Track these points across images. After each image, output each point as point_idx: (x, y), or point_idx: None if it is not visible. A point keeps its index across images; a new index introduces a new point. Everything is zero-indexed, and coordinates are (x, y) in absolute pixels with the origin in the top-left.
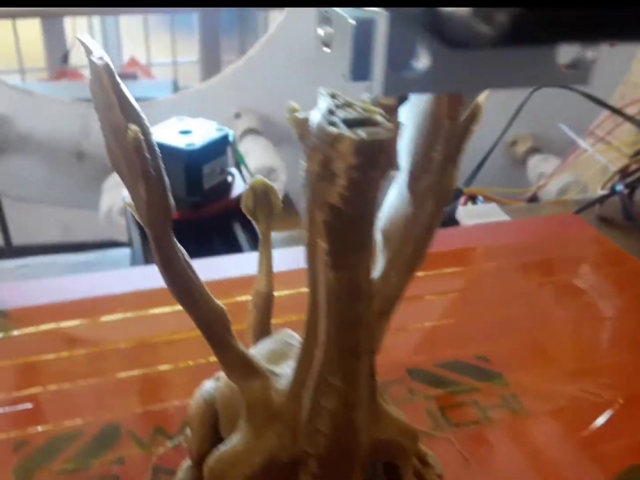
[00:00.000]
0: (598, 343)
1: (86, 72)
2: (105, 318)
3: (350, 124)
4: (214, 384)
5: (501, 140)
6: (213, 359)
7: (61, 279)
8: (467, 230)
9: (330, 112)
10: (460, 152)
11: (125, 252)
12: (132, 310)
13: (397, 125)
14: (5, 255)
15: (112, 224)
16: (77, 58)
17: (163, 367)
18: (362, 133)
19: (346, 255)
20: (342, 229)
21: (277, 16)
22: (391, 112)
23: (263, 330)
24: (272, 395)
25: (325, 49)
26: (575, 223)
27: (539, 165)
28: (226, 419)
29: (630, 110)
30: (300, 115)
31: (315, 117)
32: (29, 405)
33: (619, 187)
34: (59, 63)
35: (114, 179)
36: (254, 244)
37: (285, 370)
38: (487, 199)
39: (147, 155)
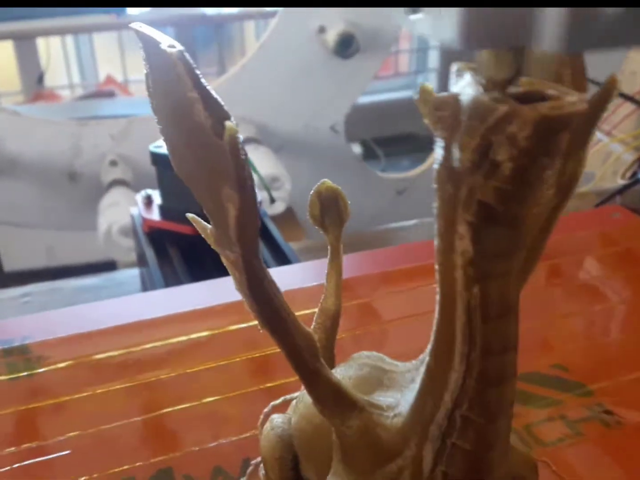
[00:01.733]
0: None
1: (63, 92)
2: (141, 347)
3: (519, 100)
4: (285, 418)
5: None
6: (264, 385)
7: (82, 306)
8: None
9: (487, 86)
10: (591, 133)
11: (133, 273)
12: (169, 336)
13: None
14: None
15: (112, 244)
16: (52, 79)
17: (210, 398)
18: (542, 107)
19: (494, 263)
20: (493, 232)
21: (252, 27)
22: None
23: (327, 355)
24: (379, 432)
25: (414, 15)
26: (623, 214)
27: None
28: (308, 459)
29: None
30: (443, 95)
31: (467, 94)
32: (66, 452)
33: None
34: (34, 85)
35: (111, 197)
36: (277, 259)
37: (387, 401)
38: None
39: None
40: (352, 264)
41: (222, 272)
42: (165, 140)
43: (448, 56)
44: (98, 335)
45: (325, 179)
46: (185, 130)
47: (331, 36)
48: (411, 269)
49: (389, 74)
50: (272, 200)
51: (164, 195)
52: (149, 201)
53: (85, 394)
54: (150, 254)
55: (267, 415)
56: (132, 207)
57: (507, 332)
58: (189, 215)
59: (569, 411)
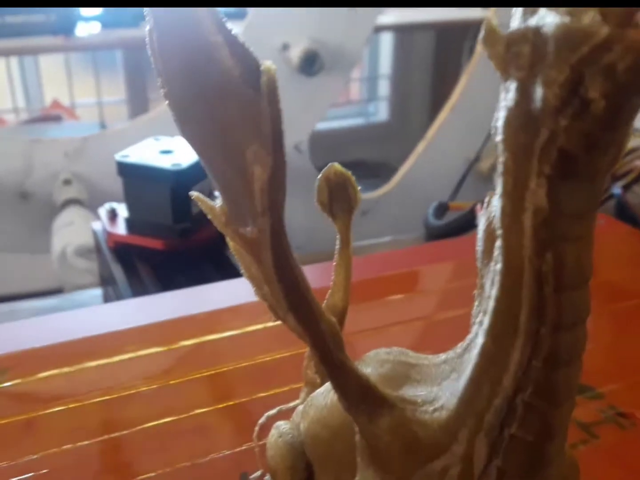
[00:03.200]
0: None
1: (7, 116)
2: (117, 357)
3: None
4: (293, 425)
5: (463, 157)
6: (256, 395)
7: (48, 317)
8: None
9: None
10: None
11: (94, 294)
12: (147, 347)
13: None
14: None
15: (67, 267)
16: None
17: (199, 410)
18: None
19: (571, 223)
20: (572, 187)
21: None
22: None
23: None
24: (415, 429)
25: None
26: (606, 222)
27: None
28: (325, 466)
29: None
30: (518, 29)
31: (552, 23)
32: (44, 471)
33: (617, 190)
34: None
35: (65, 217)
36: None
37: (421, 396)
38: None
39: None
40: (320, 275)
41: (193, 286)
42: (174, 101)
43: (398, 85)
44: (67, 347)
45: (334, 163)
46: (203, 84)
47: (295, 53)
48: (378, 278)
49: (341, 102)
50: None
51: (130, 208)
52: (113, 215)
53: (58, 409)
54: (117, 270)
55: (263, 427)
56: (95, 222)
57: (581, 304)
58: (194, 193)
59: (582, 415)
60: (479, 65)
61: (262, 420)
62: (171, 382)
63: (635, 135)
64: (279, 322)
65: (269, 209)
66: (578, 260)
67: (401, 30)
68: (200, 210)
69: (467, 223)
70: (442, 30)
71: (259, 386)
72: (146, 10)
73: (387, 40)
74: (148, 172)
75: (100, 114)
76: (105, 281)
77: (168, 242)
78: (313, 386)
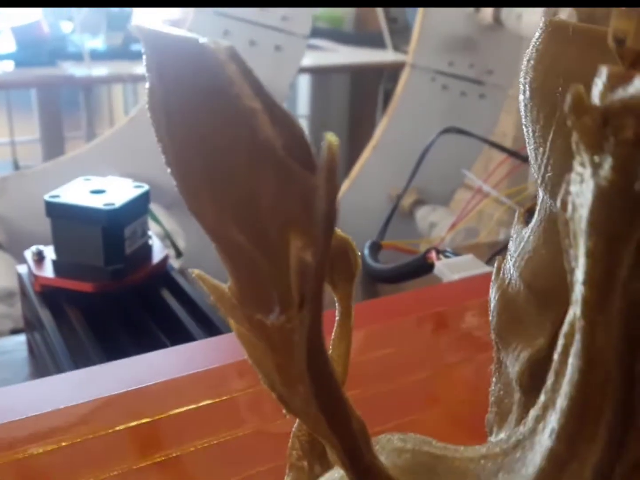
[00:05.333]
0: None
1: None
2: (49, 446)
3: None
4: None
5: (385, 195)
6: None
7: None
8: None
9: None
10: None
11: (18, 340)
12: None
13: None
14: None
15: None
16: None
17: None
18: None
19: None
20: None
21: (121, 91)
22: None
23: None
24: None
25: None
26: None
27: (428, 216)
28: None
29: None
30: (622, 97)
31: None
32: None
33: None
34: None
35: None
36: (190, 311)
37: None
38: (404, 250)
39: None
40: None
41: (127, 331)
42: (186, 172)
43: (316, 125)
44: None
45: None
46: (229, 155)
47: None
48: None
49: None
50: (179, 254)
51: (59, 250)
52: (40, 257)
53: None
54: (45, 315)
55: None
56: (19, 266)
57: None
58: (195, 271)
59: None
60: (399, 106)
61: None
62: (134, 467)
63: None
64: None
65: (311, 301)
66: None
67: (318, 73)
68: (133, 251)
69: (420, 269)
70: (357, 72)
71: (232, 468)
72: (148, 60)
73: (305, 82)
74: (79, 212)
75: (14, 153)
76: (31, 326)
77: (99, 285)
78: (299, 471)
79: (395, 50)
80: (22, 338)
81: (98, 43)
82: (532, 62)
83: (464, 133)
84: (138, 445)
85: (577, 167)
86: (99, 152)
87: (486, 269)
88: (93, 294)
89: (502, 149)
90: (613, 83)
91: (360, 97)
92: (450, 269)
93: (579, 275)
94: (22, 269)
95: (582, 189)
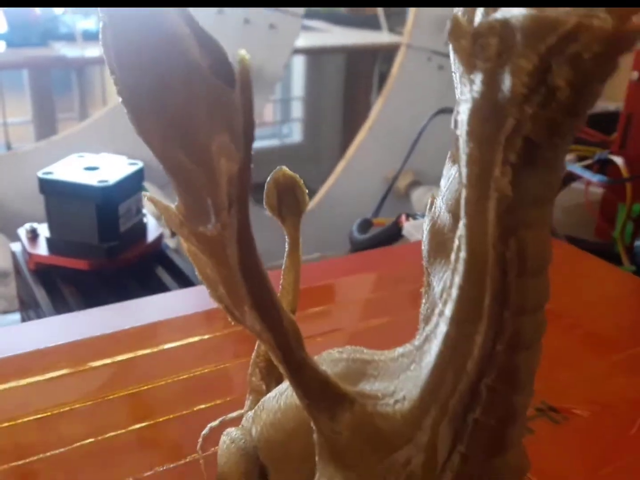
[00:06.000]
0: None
1: None
2: (39, 376)
3: None
4: (244, 430)
5: (381, 177)
6: (196, 407)
7: None
8: None
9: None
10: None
11: (13, 318)
12: (74, 364)
13: None
14: None
15: None
16: None
17: (138, 425)
18: (615, 20)
19: (533, 210)
20: (534, 174)
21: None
22: None
23: None
24: (377, 423)
25: None
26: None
27: (423, 197)
28: (281, 469)
29: None
30: (486, 21)
31: (520, 14)
32: None
33: None
34: None
35: None
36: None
37: (381, 390)
38: None
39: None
40: None
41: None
42: (130, 95)
43: (311, 107)
44: None
45: (282, 166)
46: (165, 76)
47: None
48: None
49: (256, 124)
50: (174, 233)
51: (53, 227)
52: (34, 235)
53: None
54: (40, 293)
55: (206, 438)
56: (13, 244)
57: (542, 288)
58: (147, 195)
59: None
60: (395, 86)
61: (205, 431)
62: (108, 397)
63: None
64: (218, 333)
65: (237, 203)
66: (540, 246)
67: (313, 54)
68: (128, 229)
69: (393, 234)
70: (352, 54)
71: (198, 398)
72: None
73: (299, 63)
74: (73, 189)
75: (6, 135)
76: (26, 305)
77: (93, 262)
78: (258, 393)
79: (391, 32)
80: (16, 316)
81: (90, 23)
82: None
83: None
84: (113, 380)
85: (462, 89)
86: (92, 131)
87: None
88: (88, 271)
89: None
90: (489, 11)
91: (355, 79)
92: (417, 229)
93: (463, 179)
94: (16, 247)
95: (464, 107)
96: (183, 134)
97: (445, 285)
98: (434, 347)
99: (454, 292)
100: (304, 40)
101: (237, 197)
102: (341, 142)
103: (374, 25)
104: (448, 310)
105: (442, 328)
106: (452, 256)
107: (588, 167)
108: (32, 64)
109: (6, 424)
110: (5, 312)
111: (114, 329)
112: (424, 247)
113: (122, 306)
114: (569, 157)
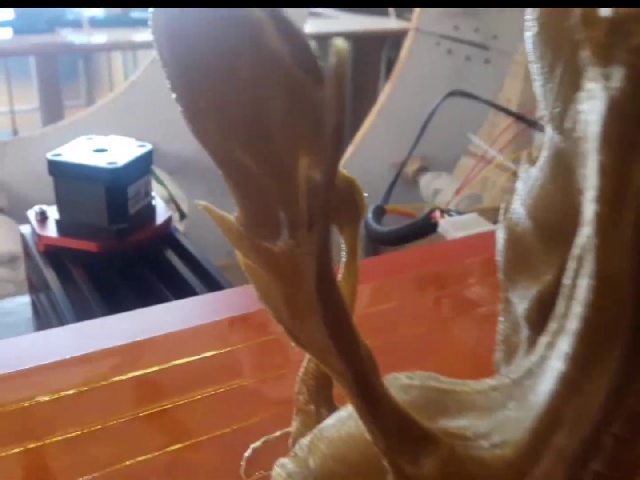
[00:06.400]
0: None
1: None
2: (61, 393)
3: None
4: (300, 462)
5: (389, 162)
6: (235, 426)
7: None
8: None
9: None
10: None
11: (22, 301)
12: (94, 378)
13: None
14: None
15: None
16: None
17: (174, 447)
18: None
19: None
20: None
21: (120, 58)
22: None
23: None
24: (471, 469)
25: None
26: None
27: (431, 182)
28: None
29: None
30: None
31: None
32: None
33: None
34: None
35: None
36: (194, 270)
37: (468, 428)
38: (408, 215)
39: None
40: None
41: (132, 290)
42: (186, 89)
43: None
44: (15, 378)
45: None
46: (232, 68)
47: None
48: None
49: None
50: (183, 216)
51: (62, 209)
52: (43, 217)
53: (15, 451)
54: (50, 275)
55: (250, 461)
56: (22, 226)
57: None
58: (202, 203)
59: None
60: (404, 71)
61: (247, 453)
62: (139, 414)
63: None
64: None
65: (320, 219)
66: None
67: (320, 40)
68: (138, 211)
69: (425, 228)
70: (360, 40)
71: (237, 414)
72: None
73: None
74: (82, 171)
75: (13, 122)
76: (36, 287)
77: (103, 244)
78: (307, 415)
79: (398, 18)
80: (26, 299)
81: (97, 10)
82: None
83: (469, 96)
84: (142, 394)
85: (587, 84)
86: (99, 116)
87: (490, 227)
88: (97, 253)
89: (507, 112)
90: None
91: (363, 65)
92: (454, 227)
93: (590, 193)
94: (26, 229)
95: (593, 105)
96: (251, 135)
97: (556, 313)
98: (545, 385)
99: (575, 324)
100: (310, 27)
101: (320, 213)
102: (350, 128)
103: (381, 11)
104: (565, 345)
105: (556, 364)
106: (566, 281)
107: None
108: (38, 50)
109: (33, 445)
110: (14, 295)
111: (139, 337)
112: (500, 258)
113: (147, 312)
114: None
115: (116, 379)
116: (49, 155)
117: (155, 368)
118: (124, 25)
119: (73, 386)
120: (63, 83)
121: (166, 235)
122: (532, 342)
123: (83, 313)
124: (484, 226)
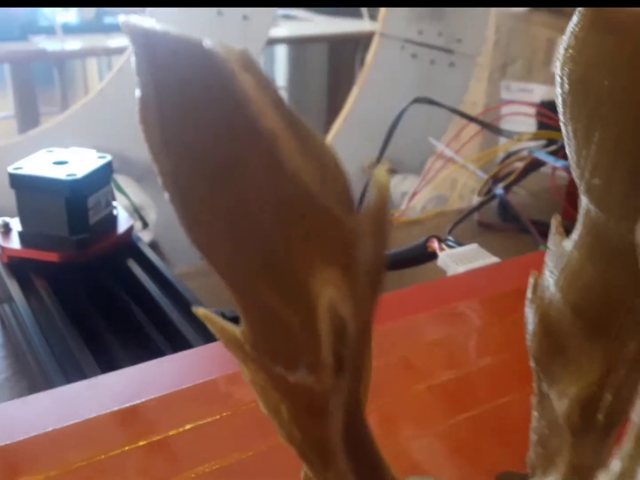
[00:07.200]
0: None
1: None
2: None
3: None
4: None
5: (358, 166)
6: None
7: None
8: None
9: None
10: None
11: None
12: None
13: None
14: None
15: None
16: None
17: None
18: None
19: None
20: None
21: (95, 65)
22: None
23: None
24: None
25: None
26: None
27: (399, 185)
28: None
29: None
30: None
31: None
32: None
33: (499, 191)
34: None
35: None
36: (154, 279)
37: None
38: None
39: None
40: None
41: (93, 300)
42: (192, 200)
43: (294, 96)
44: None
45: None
46: (247, 187)
47: None
48: None
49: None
50: (145, 225)
51: (24, 221)
52: (6, 229)
53: None
54: (13, 286)
55: None
56: None
57: None
58: (200, 310)
59: None
60: (370, 76)
61: None
62: None
63: (515, 140)
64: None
65: (349, 368)
66: None
67: (295, 43)
68: (98, 221)
69: (419, 257)
70: (335, 42)
71: None
72: (139, 64)
73: (282, 53)
74: (42, 183)
75: None
76: (0, 297)
77: (64, 255)
78: None
79: (372, 19)
80: None
81: (70, 16)
82: (570, 51)
83: (433, 103)
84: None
85: None
86: (70, 125)
87: (492, 259)
88: (59, 263)
89: (470, 119)
90: None
91: (338, 68)
92: (454, 261)
93: None
94: None
95: None
96: (264, 258)
97: (623, 453)
98: None
99: None
100: (285, 30)
101: (349, 362)
102: (325, 132)
103: (355, 12)
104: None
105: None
106: (635, 418)
107: (553, 153)
108: (12, 58)
109: None
110: None
111: (133, 400)
112: (532, 343)
113: (145, 367)
114: (536, 143)
115: (118, 450)
116: (10, 169)
117: (157, 437)
118: (97, 31)
119: (56, 465)
120: (38, 90)
121: (128, 245)
122: (574, 448)
123: (45, 323)
124: (486, 258)
